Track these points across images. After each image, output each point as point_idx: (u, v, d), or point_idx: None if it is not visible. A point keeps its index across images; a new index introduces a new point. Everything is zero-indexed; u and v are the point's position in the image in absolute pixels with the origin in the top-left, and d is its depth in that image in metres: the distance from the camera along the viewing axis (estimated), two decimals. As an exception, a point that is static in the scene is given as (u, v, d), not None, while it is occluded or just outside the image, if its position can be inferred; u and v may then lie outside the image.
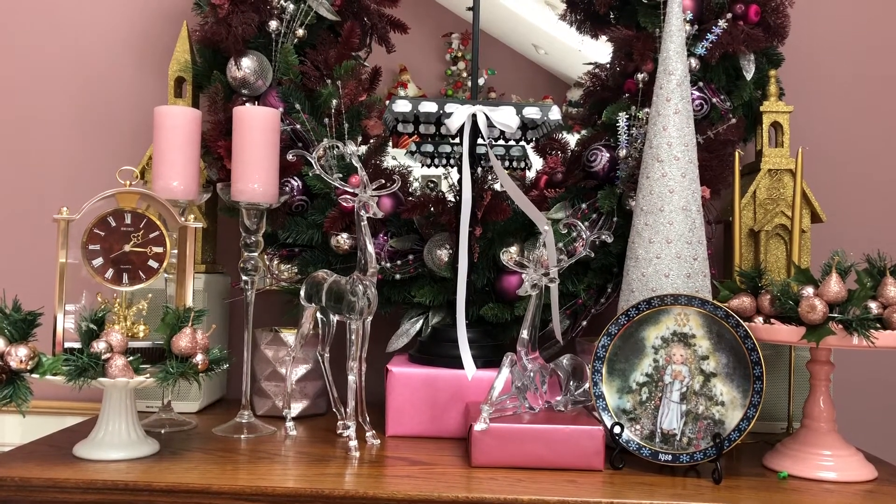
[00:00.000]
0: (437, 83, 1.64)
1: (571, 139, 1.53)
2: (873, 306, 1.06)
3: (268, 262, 1.45)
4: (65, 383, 1.02)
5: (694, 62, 1.37)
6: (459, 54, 1.63)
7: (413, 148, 1.57)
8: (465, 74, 1.63)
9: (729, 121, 1.37)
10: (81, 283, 1.16)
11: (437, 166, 1.55)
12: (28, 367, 1.03)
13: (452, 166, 1.53)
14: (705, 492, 1.02)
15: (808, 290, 1.08)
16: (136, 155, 1.59)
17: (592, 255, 1.24)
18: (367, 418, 1.24)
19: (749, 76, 1.41)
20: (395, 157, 1.57)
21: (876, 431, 1.60)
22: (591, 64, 1.53)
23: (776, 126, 1.44)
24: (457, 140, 1.46)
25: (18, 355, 1.02)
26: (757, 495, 1.01)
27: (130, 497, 0.99)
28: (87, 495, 0.99)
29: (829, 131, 1.62)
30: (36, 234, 1.63)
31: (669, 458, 1.10)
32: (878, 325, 1.05)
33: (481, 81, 1.61)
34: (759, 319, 1.13)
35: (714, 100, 1.39)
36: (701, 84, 1.39)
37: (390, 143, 1.58)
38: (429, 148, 1.55)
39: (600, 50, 1.55)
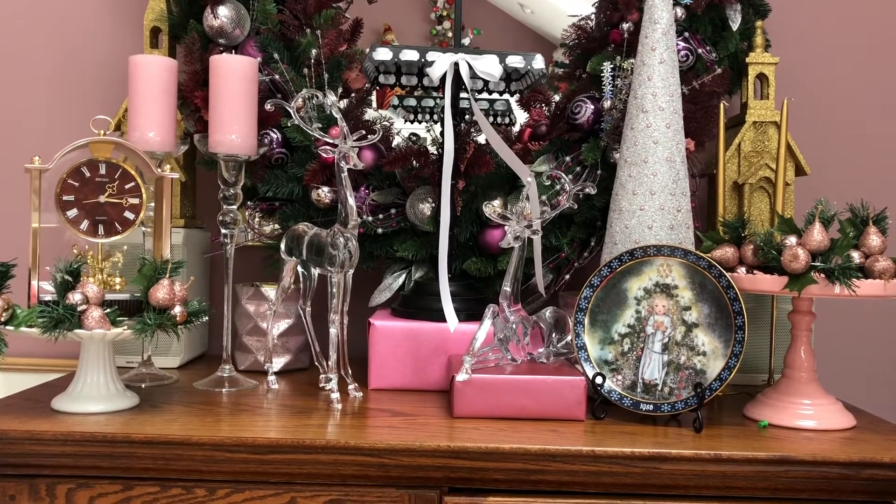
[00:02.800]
0: (422, 43, 1.60)
1: (556, 98, 1.51)
2: (856, 255, 1.06)
3: (248, 218, 1.43)
4: (40, 335, 1.01)
5: (680, 11, 1.35)
6: (445, 13, 1.60)
7: (395, 102, 1.54)
8: (450, 34, 1.60)
9: (714, 72, 1.35)
10: (65, 244, 1.13)
11: (420, 122, 1.53)
12: (2, 319, 1.01)
13: (436, 121, 1.50)
14: (686, 440, 1.02)
15: (792, 240, 1.07)
16: (112, 107, 1.55)
17: (576, 206, 1.23)
18: (350, 371, 1.23)
19: (735, 27, 1.39)
20: (377, 110, 1.54)
21: (855, 381, 1.61)
22: (576, 16, 1.51)
23: (762, 78, 1.42)
24: (440, 94, 1.44)
25: (-8, 307, 1.00)
26: (737, 443, 1.01)
27: (109, 449, 0.99)
28: (66, 447, 0.99)
29: (815, 84, 1.61)
30: (10, 186, 1.60)
31: (651, 407, 1.11)
32: (860, 275, 1.05)
33: (466, 41, 1.58)
34: (742, 270, 1.13)
35: (699, 50, 1.37)
36: (686, 34, 1.37)
37: (374, 100, 1.55)
38: (411, 102, 1.53)
39: (584, 7, 1.52)
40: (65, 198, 1.12)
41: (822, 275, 1.04)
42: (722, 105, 1.34)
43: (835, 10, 1.61)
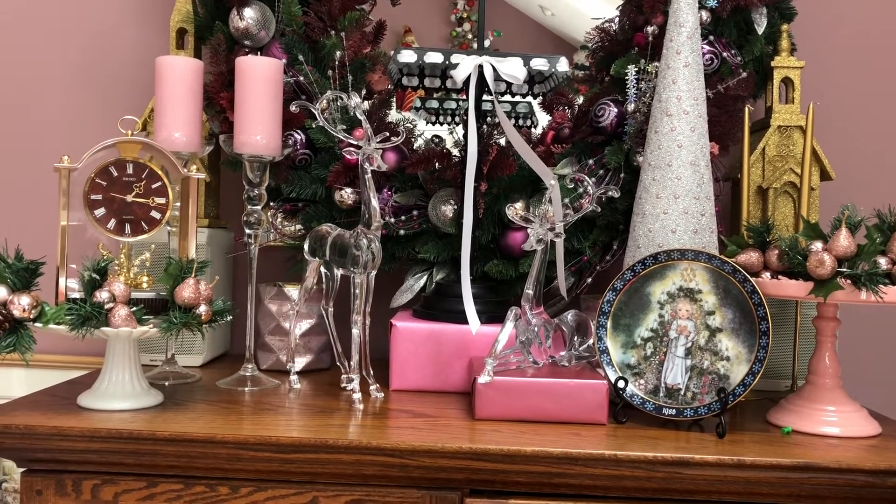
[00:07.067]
0: (443, 45, 1.61)
1: (579, 101, 1.51)
2: (882, 262, 1.04)
3: (271, 219, 1.44)
4: (67, 332, 1.02)
5: (705, 15, 1.34)
6: (465, 15, 1.60)
7: (417, 104, 1.55)
8: (470, 36, 1.60)
9: (739, 75, 1.35)
10: (87, 242, 1.15)
11: (441, 123, 1.53)
12: (31, 316, 1.02)
13: (457, 123, 1.51)
14: (709, 445, 1.02)
15: (817, 245, 1.07)
16: (139, 108, 1.57)
17: (599, 210, 1.23)
18: (371, 372, 1.23)
19: (760, 30, 1.38)
20: (399, 111, 1.55)
21: (881, 388, 1.60)
22: (599, 19, 1.50)
23: (787, 82, 1.41)
24: (462, 96, 1.45)
25: (21, 304, 1.01)
26: (760, 449, 1.01)
27: (134, 446, 1.00)
28: (92, 443, 1.00)
29: (841, 87, 1.60)
30: (38, 187, 1.62)
31: (673, 412, 1.10)
32: (887, 281, 1.04)
33: (487, 43, 1.59)
34: (767, 275, 1.12)
35: (724, 54, 1.36)
36: (711, 38, 1.36)
37: (394, 101, 1.56)
38: (434, 104, 1.53)
39: (606, 10, 1.51)
40: (92, 197, 1.13)
41: (849, 281, 1.03)
42: (747, 109, 1.33)
43: (861, 13, 1.60)
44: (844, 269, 1.04)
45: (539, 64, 1.26)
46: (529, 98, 1.43)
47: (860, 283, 1.03)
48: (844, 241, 1.05)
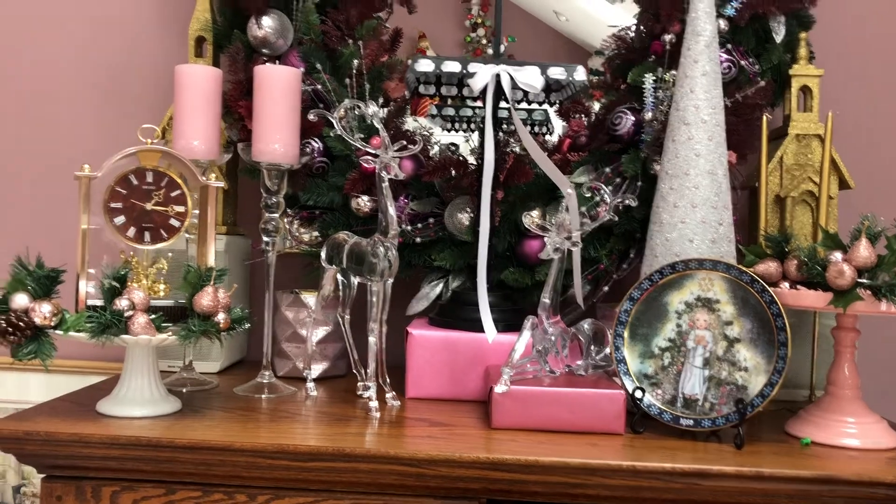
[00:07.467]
0: (457, 50, 1.61)
1: (595, 108, 1.51)
2: (903, 272, 1.04)
3: (288, 226, 1.45)
4: (88, 340, 1.03)
5: (723, 23, 1.34)
6: (479, 20, 1.60)
7: (434, 111, 1.55)
8: (484, 41, 1.60)
9: (757, 84, 1.34)
10: (104, 246, 1.16)
11: (457, 131, 1.53)
12: (52, 324, 1.03)
13: (473, 131, 1.51)
14: (727, 456, 1.01)
15: (837, 256, 1.06)
16: (157, 115, 1.58)
17: (616, 218, 1.23)
18: (388, 380, 1.24)
19: (779, 38, 1.38)
20: (416, 120, 1.55)
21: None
22: (615, 26, 1.50)
23: (805, 90, 1.41)
24: (478, 104, 1.45)
25: (42, 311, 1.02)
26: (779, 460, 1.00)
27: (153, 453, 1.00)
28: (111, 450, 1.00)
29: (860, 96, 1.59)
30: (58, 194, 1.64)
31: (691, 422, 1.10)
32: (908, 292, 1.03)
33: (501, 49, 1.58)
34: (785, 285, 1.12)
35: (742, 63, 1.36)
36: (729, 46, 1.36)
37: (408, 108, 1.56)
38: (450, 111, 1.53)
39: (622, 17, 1.51)
40: (112, 205, 1.14)
41: (869, 291, 1.03)
42: (765, 117, 1.33)
43: (880, 21, 1.59)
44: (864, 280, 1.03)
45: (556, 73, 1.26)
46: (546, 106, 1.43)
47: (880, 294, 1.02)
48: (864, 251, 1.04)
